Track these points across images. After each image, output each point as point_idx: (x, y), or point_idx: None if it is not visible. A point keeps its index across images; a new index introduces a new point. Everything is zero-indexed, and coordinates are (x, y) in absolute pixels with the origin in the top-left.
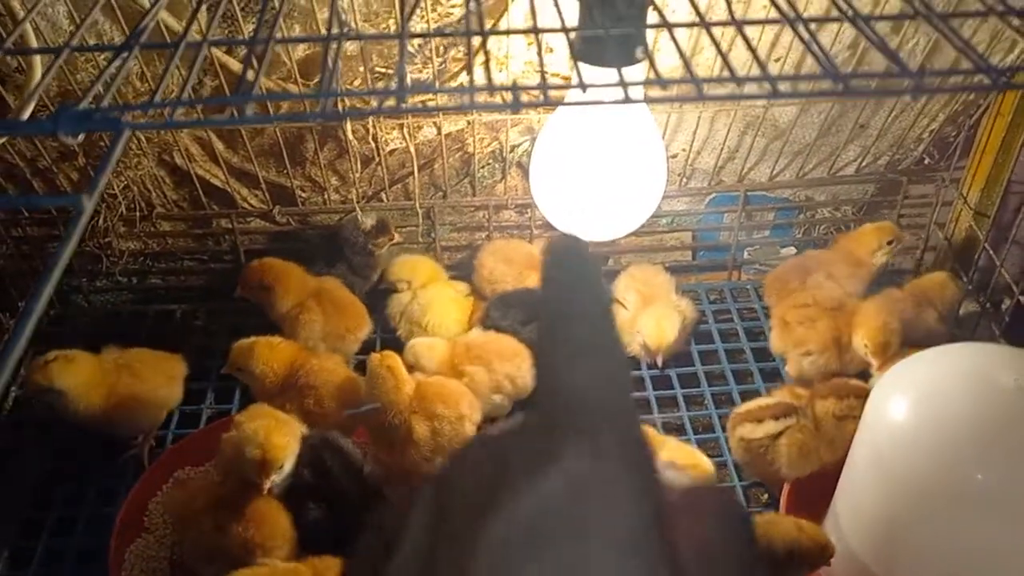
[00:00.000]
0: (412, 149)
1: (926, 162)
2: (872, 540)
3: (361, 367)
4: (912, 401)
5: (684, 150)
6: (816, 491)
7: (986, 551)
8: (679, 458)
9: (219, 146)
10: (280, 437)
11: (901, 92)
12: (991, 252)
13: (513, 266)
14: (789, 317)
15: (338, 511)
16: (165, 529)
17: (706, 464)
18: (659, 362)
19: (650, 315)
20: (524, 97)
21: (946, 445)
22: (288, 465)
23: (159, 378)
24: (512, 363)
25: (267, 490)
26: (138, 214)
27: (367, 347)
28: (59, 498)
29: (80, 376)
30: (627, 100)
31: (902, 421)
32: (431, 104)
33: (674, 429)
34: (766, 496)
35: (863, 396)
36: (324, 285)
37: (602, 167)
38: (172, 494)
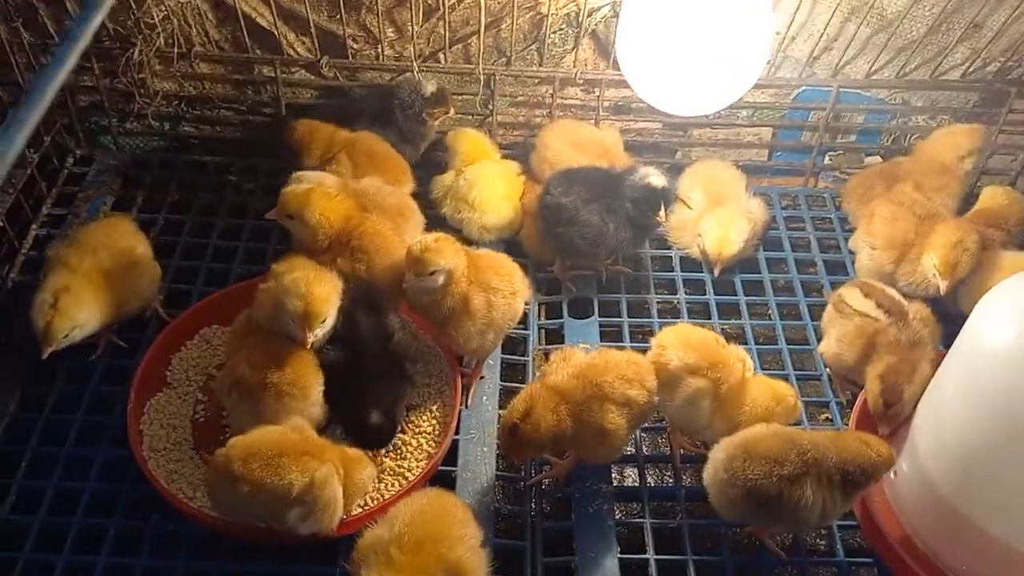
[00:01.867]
0: (482, 0)
1: None
2: (955, 470)
3: None
4: (1015, 324)
5: (778, 33)
6: None
7: None
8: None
9: None
10: (322, 288)
11: None
12: None
13: (584, 152)
14: (878, 210)
15: (356, 362)
16: (188, 386)
17: (793, 399)
18: (716, 272)
19: (716, 219)
20: None
21: None
22: (330, 319)
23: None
24: None
25: (310, 345)
26: (176, 51)
27: None
28: (75, 345)
29: (85, 305)
30: None
31: (1003, 345)
32: None
33: (734, 337)
34: (825, 416)
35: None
36: (358, 137)
37: (700, 30)
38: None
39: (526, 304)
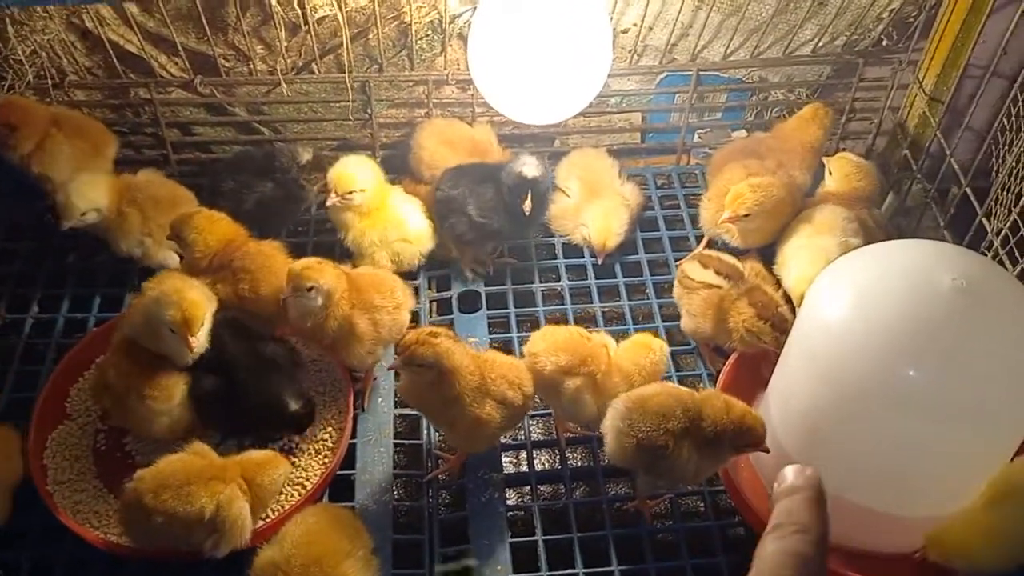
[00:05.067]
0: (341, 17)
1: (884, 44)
2: (799, 434)
3: None
4: (847, 298)
5: (636, 25)
6: (754, 375)
7: (911, 450)
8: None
9: (132, 9)
10: (194, 293)
11: None
12: (942, 140)
13: (456, 150)
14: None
15: (231, 385)
16: (88, 416)
17: (657, 351)
18: (600, 260)
19: (598, 209)
20: None
21: (878, 343)
22: (208, 324)
23: None
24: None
25: (194, 348)
26: (50, 82)
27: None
28: None
29: None
30: None
31: (836, 317)
32: None
33: (614, 318)
34: (701, 387)
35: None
36: (65, 113)
37: (545, 46)
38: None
39: (416, 307)
